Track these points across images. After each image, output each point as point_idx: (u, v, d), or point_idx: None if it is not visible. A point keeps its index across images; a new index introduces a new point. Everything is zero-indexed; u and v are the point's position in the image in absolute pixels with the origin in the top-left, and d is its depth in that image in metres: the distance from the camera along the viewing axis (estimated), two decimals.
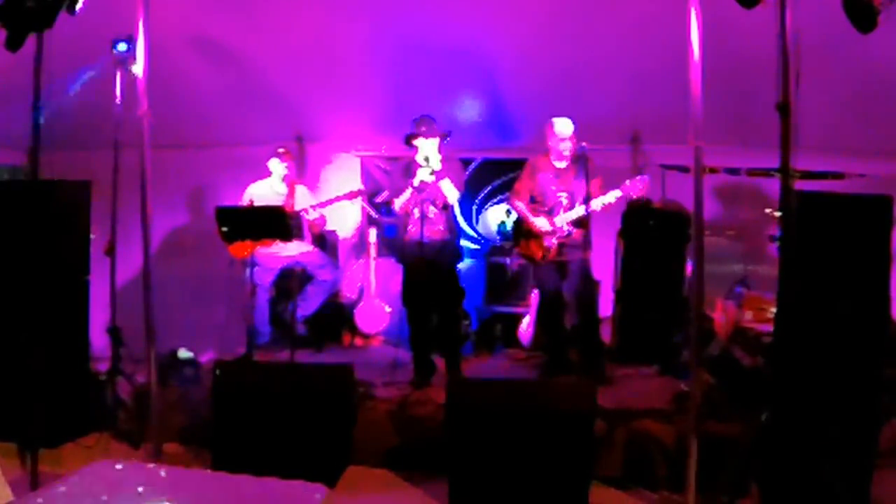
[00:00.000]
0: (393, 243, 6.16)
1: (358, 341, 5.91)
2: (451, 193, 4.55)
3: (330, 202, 5.22)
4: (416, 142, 4.56)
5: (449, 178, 4.52)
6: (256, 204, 5.26)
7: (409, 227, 4.63)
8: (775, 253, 3.18)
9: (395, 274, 5.87)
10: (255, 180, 5.43)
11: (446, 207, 4.64)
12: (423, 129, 4.54)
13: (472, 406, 3.60)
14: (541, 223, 4.58)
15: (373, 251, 5.98)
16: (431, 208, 4.61)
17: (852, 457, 3.09)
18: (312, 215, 5.19)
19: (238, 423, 3.83)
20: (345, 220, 6.39)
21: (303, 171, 6.23)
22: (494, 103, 5.71)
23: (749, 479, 3.36)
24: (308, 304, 5.38)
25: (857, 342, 3.11)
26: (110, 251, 4.46)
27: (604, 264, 5.17)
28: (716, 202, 5.64)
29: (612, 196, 4.43)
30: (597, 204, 4.43)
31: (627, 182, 4.40)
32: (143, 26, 3.74)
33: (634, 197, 4.45)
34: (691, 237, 3.45)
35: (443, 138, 4.59)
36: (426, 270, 4.60)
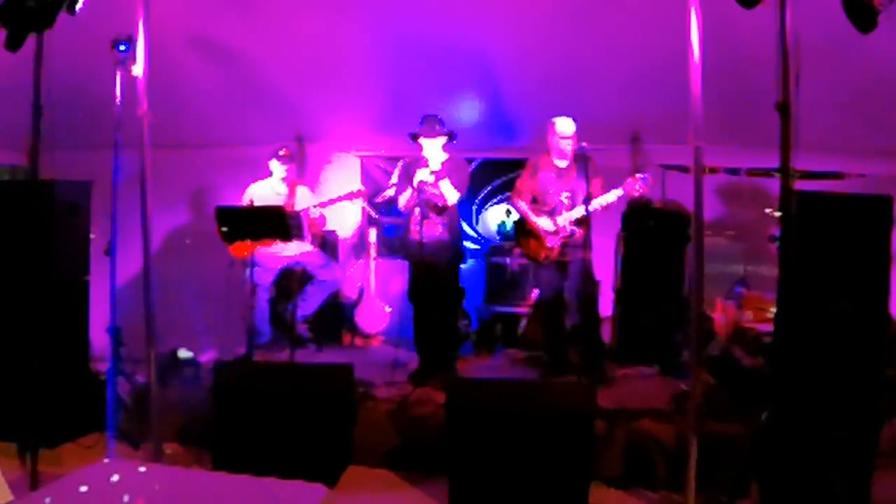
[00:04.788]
0: (393, 243, 6.17)
1: (358, 341, 5.91)
2: (451, 194, 4.56)
3: (332, 202, 5.23)
4: (419, 141, 4.58)
5: (450, 178, 4.53)
6: (256, 204, 5.26)
7: (411, 227, 4.66)
8: (775, 253, 3.17)
9: (395, 274, 5.89)
10: (255, 180, 5.42)
11: (446, 208, 4.65)
12: (425, 128, 4.55)
13: (472, 406, 3.60)
14: (544, 223, 4.58)
15: (373, 251, 5.98)
16: (431, 209, 4.63)
17: (852, 457, 3.09)
18: (314, 213, 5.20)
19: (238, 423, 3.83)
20: (345, 220, 6.39)
21: (303, 171, 6.22)
22: (494, 103, 5.71)
23: (749, 479, 3.35)
24: (308, 304, 5.37)
25: (857, 342, 3.10)
26: (110, 251, 4.46)
27: (604, 264, 5.17)
28: (716, 202, 5.64)
29: (614, 195, 4.42)
30: (598, 203, 4.43)
31: (628, 180, 4.39)
32: (143, 26, 3.74)
33: (636, 195, 4.45)
34: (691, 237, 3.45)
35: (449, 139, 4.60)
36: (427, 270, 4.63)
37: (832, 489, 3.03)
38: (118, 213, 4.42)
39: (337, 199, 5.19)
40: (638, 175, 4.41)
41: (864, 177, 5.21)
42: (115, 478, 2.15)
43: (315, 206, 5.21)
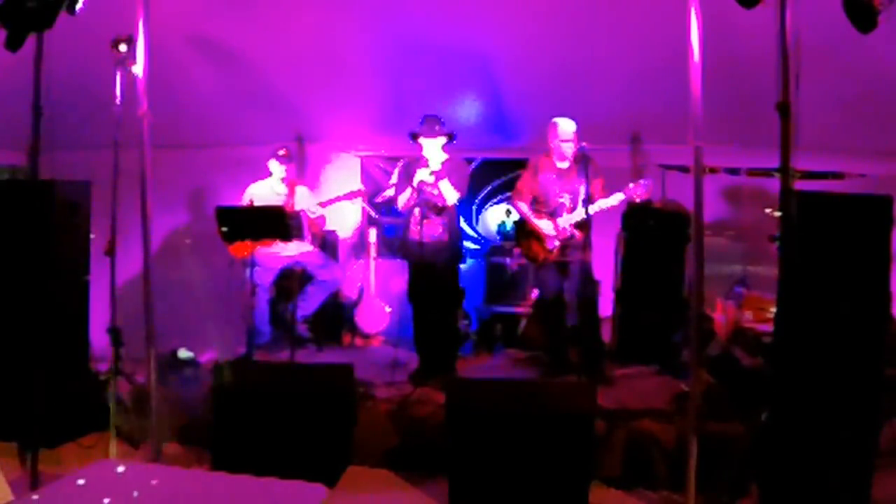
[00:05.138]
0: (393, 243, 6.17)
1: (358, 341, 5.91)
2: (450, 195, 4.56)
3: (332, 201, 5.23)
4: (419, 140, 4.58)
5: (449, 179, 4.53)
6: (256, 204, 5.26)
7: (411, 227, 4.66)
8: (775, 253, 3.17)
9: (395, 274, 5.89)
10: (255, 180, 5.43)
11: (445, 208, 4.65)
12: (424, 128, 4.55)
13: (472, 406, 3.60)
14: (544, 226, 4.58)
15: (373, 251, 5.98)
16: (431, 209, 4.63)
17: (852, 457, 3.09)
18: (317, 212, 5.21)
19: (238, 423, 3.83)
20: (345, 220, 6.39)
21: (303, 171, 6.22)
22: (494, 103, 5.71)
23: (749, 479, 3.35)
24: (308, 304, 5.38)
25: (858, 342, 3.10)
26: (110, 251, 4.46)
27: (604, 264, 5.17)
28: (716, 202, 5.64)
29: (615, 199, 4.43)
30: (598, 207, 4.43)
31: (630, 185, 4.40)
32: (143, 26, 3.74)
33: (637, 201, 4.46)
34: (691, 237, 3.45)
35: (448, 139, 4.61)
36: (426, 270, 4.63)
37: (832, 489, 3.03)
38: (118, 213, 4.43)
39: (336, 199, 5.20)
40: (640, 180, 4.42)
41: (864, 177, 5.21)
42: (115, 478, 2.15)
43: (315, 206, 5.22)
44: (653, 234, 5.13)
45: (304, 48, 5.31)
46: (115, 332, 4.50)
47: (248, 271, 4.96)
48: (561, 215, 4.58)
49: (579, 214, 4.49)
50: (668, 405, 4.11)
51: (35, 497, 2.04)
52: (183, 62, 5.38)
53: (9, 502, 2.32)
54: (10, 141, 5.38)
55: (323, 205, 5.22)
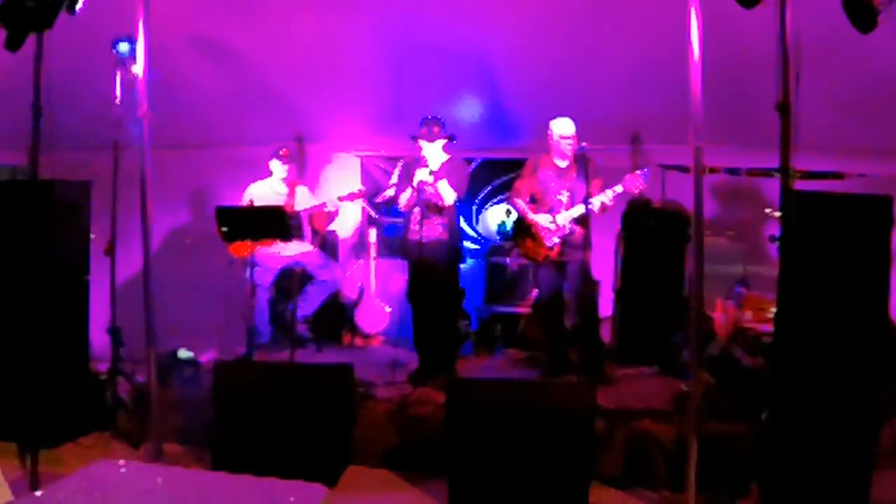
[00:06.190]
0: (393, 243, 6.17)
1: (358, 341, 5.91)
2: (448, 195, 4.56)
3: (352, 197, 5.23)
4: (419, 143, 4.59)
5: (448, 179, 4.54)
6: (256, 204, 5.26)
7: (411, 227, 4.67)
8: (775, 253, 3.17)
9: (395, 274, 5.90)
10: (255, 180, 5.43)
11: (445, 208, 4.65)
12: (423, 131, 4.55)
13: (472, 406, 3.60)
14: (542, 220, 4.57)
15: (373, 251, 5.98)
16: (431, 209, 4.63)
17: (852, 457, 3.09)
18: (331, 206, 5.21)
19: (238, 423, 3.83)
20: (345, 220, 6.39)
21: (303, 171, 6.23)
22: (494, 103, 5.71)
23: (749, 479, 3.35)
24: (308, 304, 5.38)
25: (857, 342, 3.10)
26: (110, 251, 4.46)
27: (604, 264, 5.17)
28: (716, 202, 5.64)
29: (614, 192, 4.42)
30: (599, 200, 4.42)
31: (628, 176, 4.39)
32: (143, 26, 3.74)
33: (636, 192, 4.44)
34: (691, 237, 3.45)
35: (448, 140, 4.61)
36: (425, 270, 4.64)
37: (832, 489, 3.03)
38: (118, 213, 4.43)
39: (356, 195, 5.20)
40: (637, 171, 4.41)
41: (864, 177, 5.21)
42: (115, 478, 2.15)
43: (335, 200, 5.21)
44: (653, 234, 5.13)
45: (304, 48, 5.32)
46: (115, 332, 4.51)
47: (248, 271, 4.96)
48: (559, 212, 4.57)
49: (578, 210, 4.48)
50: (668, 405, 4.11)
51: (35, 497, 2.04)
52: (183, 62, 5.38)
53: (9, 502, 2.32)
54: (10, 141, 5.38)
55: (343, 199, 5.21)
